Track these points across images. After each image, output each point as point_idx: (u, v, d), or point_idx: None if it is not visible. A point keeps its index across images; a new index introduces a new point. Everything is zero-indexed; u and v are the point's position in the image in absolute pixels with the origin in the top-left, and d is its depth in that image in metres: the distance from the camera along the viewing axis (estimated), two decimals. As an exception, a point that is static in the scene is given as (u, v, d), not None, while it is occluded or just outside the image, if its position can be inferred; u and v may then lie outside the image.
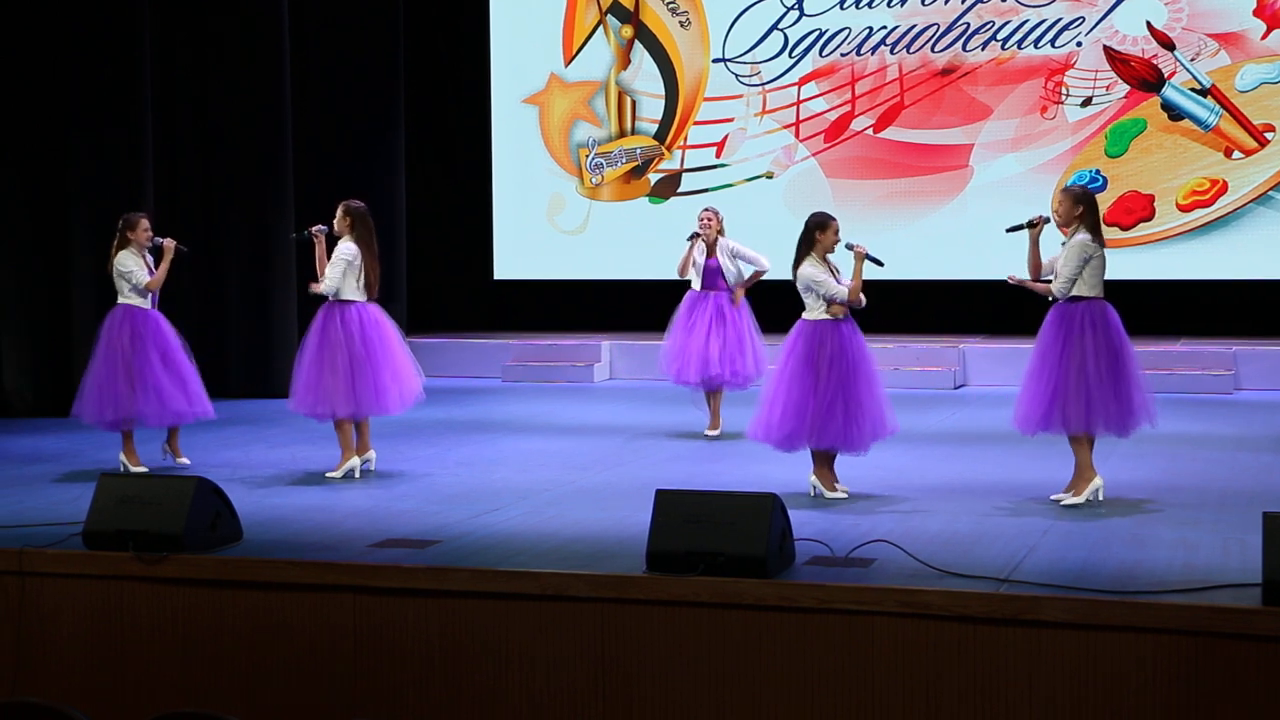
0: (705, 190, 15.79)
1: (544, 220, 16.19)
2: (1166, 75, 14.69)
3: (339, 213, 9.51)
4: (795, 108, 15.62)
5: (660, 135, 16.09)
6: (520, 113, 16.48)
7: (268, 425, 11.70)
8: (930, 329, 14.95)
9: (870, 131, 15.40)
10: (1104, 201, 14.89)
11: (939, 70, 15.23)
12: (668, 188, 16.02)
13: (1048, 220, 8.46)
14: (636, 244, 15.60)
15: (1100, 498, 8.16)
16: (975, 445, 10.39)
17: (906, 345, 14.08)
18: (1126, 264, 14.86)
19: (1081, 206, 8.27)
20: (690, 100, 15.98)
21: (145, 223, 9.54)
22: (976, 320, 15.32)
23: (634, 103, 16.18)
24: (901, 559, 6.64)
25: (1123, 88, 14.78)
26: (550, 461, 9.96)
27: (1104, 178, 14.90)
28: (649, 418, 11.05)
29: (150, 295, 9.50)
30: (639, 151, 16.17)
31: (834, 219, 8.37)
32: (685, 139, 16.00)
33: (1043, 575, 6.31)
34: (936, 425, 11.29)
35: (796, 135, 15.62)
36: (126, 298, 9.47)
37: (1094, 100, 14.87)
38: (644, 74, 16.11)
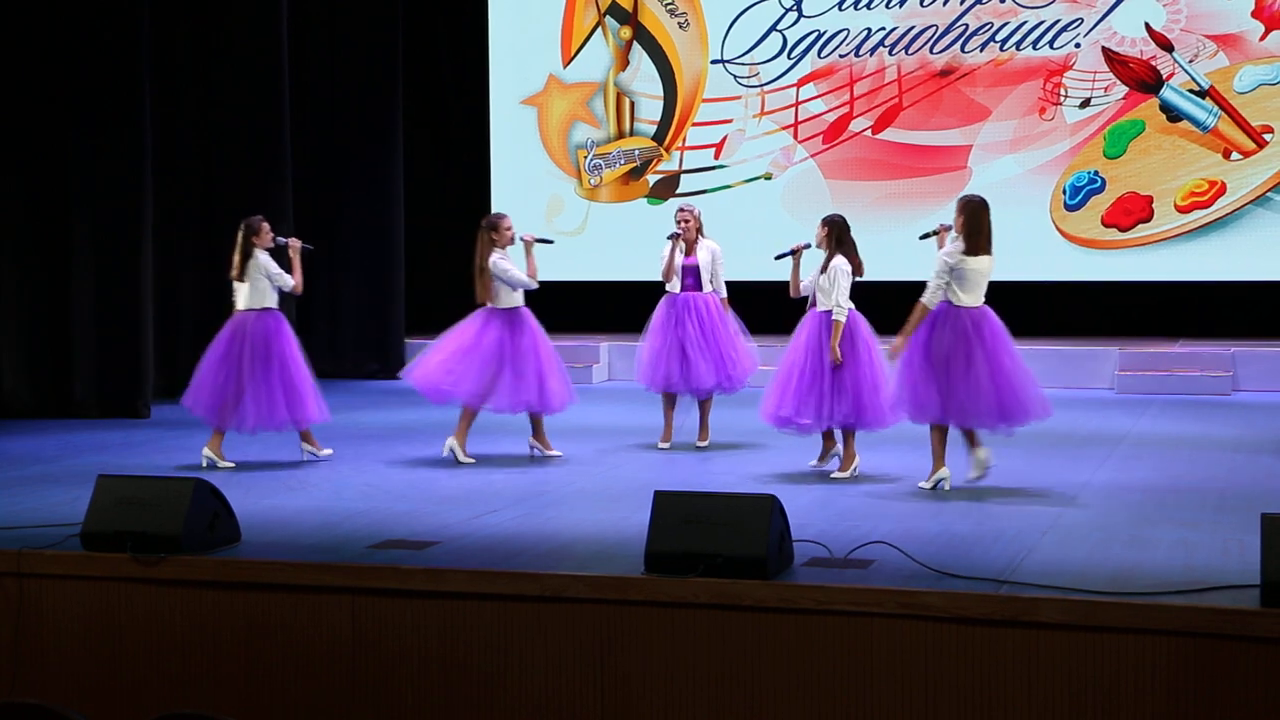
0: (703, 191, 15.79)
1: (543, 221, 16.17)
2: (1165, 76, 14.69)
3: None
4: (794, 109, 15.61)
5: (659, 136, 16.08)
6: (519, 114, 16.47)
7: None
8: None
9: (869, 133, 15.40)
10: (1102, 203, 14.90)
11: (937, 71, 15.22)
12: (666, 189, 16.01)
13: (949, 228, 8.97)
14: (635, 245, 15.58)
15: (947, 488, 8.55)
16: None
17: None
18: (1125, 265, 14.87)
19: (962, 216, 8.67)
20: (689, 101, 15.97)
21: (267, 225, 9.83)
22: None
23: (632, 104, 16.17)
24: (900, 560, 6.63)
25: (1121, 89, 14.78)
26: (549, 463, 9.95)
27: (1103, 179, 14.89)
28: (648, 419, 11.04)
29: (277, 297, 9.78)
30: (637, 153, 16.16)
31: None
32: (684, 140, 16.00)
33: (1042, 576, 6.30)
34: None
35: (795, 136, 15.62)
36: (257, 301, 9.71)
37: (1092, 101, 14.86)
38: (642, 75, 16.10)
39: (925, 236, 9.37)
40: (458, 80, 16.78)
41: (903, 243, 14.94)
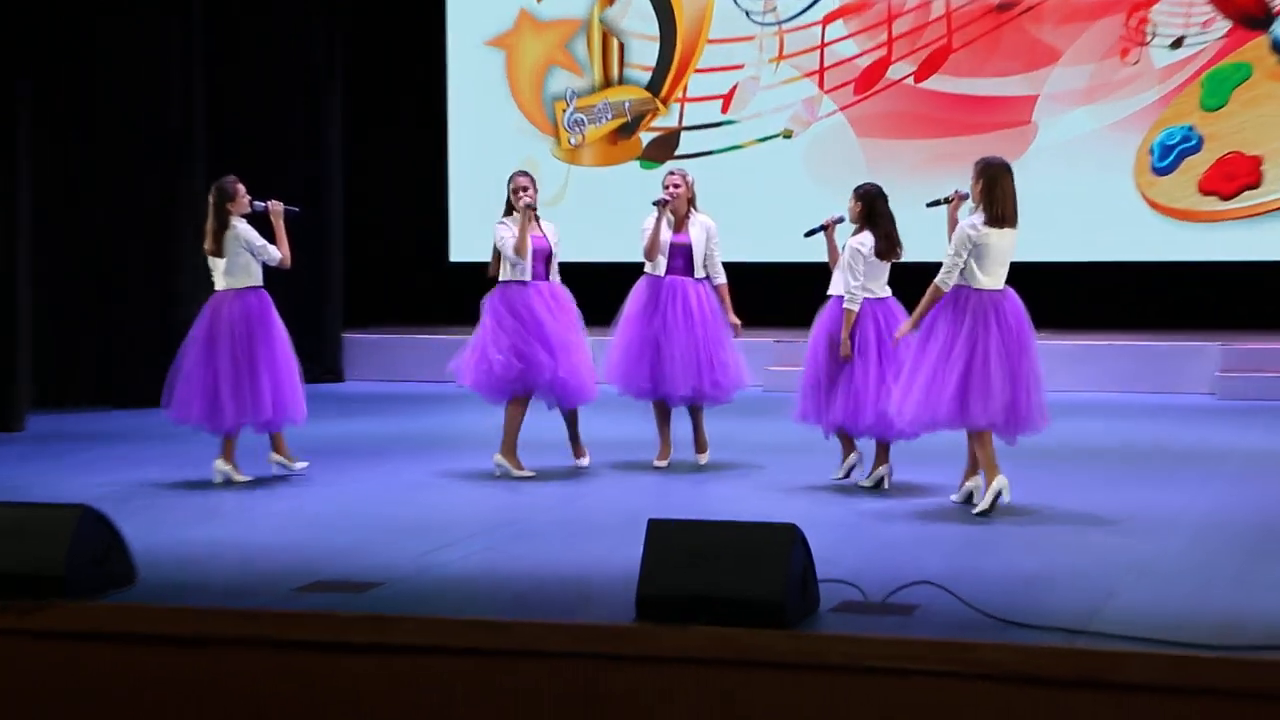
0: (708, 153, 15.76)
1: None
2: (1276, 10, 14.69)
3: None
4: (819, 52, 15.61)
5: (654, 86, 16.06)
6: (483, 58, 16.45)
7: (169, 440, 11.66)
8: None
9: (910, 81, 15.38)
10: (1200, 164, 14.88)
11: (994, 6, 15.21)
12: (663, 150, 15.99)
13: (965, 196, 9.13)
14: (624, 218, 15.40)
15: (1007, 499, 8.76)
16: (1039, 468, 10.36)
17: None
18: (1227, 242, 14.85)
19: (981, 181, 8.85)
20: (691, 43, 15.97)
21: (242, 188, 9.98)
22: (1043, 312, 15.28)
23: (622, 46, 16.17)
24: (951, 605, 6.60)
25: (1223, 24, 14.77)
26: (519, 486, 9.93)
27: (1199, 136, 14.89)
28: (639, 431, 11.01)
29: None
30: (628, 105, 16.14)
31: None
32: (684, 90, 15.98)
33: (1128, 626, 6.27)
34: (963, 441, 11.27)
35: (820, 86, 15.60)
36: (238, 279, 9.88)
37: (1187, 41, 14.86)
38: (635, 11, 16.10)
39: (934, 204, 9.50)
40: (407, 18, 16.77)
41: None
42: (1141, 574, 7.32)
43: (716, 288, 10.41)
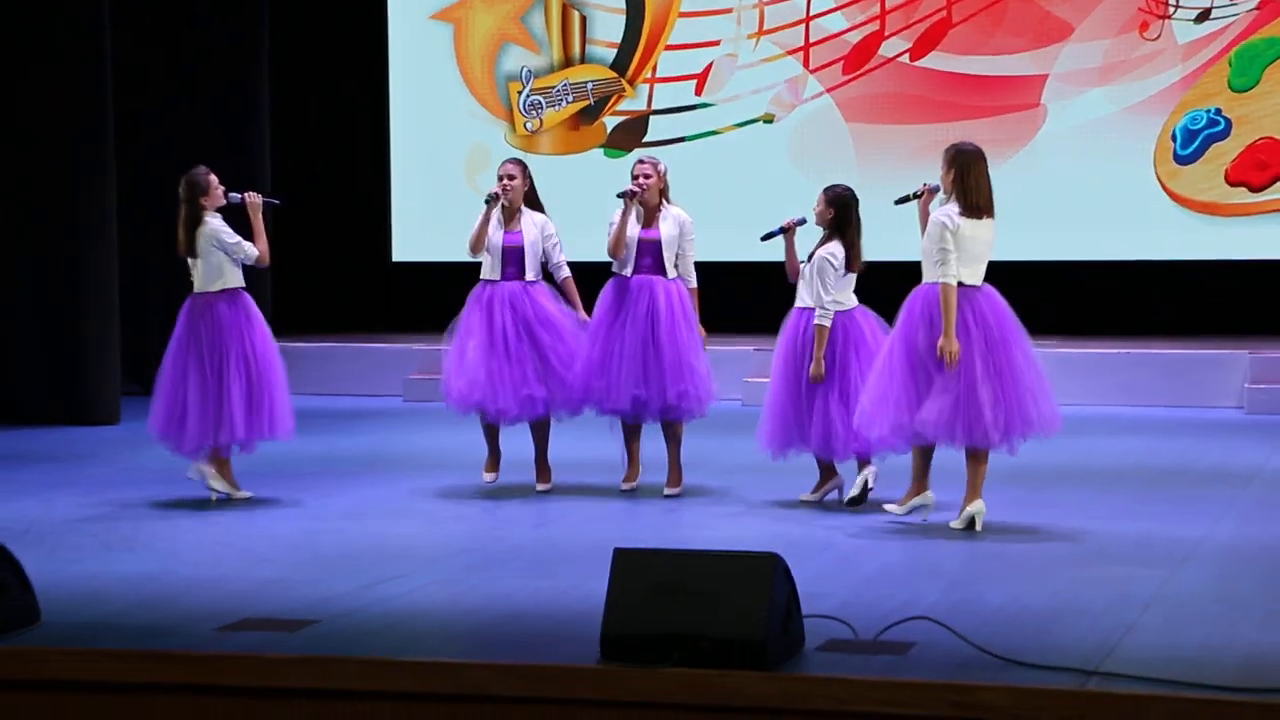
0: (681, 139, 15.80)
1: (460, 181, 16.15)
2: (1310, -19, 14.77)
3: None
4: (804, 26, 15.64)
5: (620, 64, 16.08)
6: (427, 33, 16.48)
7: (75, 462, 11.65)
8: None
9: (905, 59, 15.44)
10: (1229, 151, 14.94)
11: (1000, -26, 15.29)
12: (630, 136, 16.02)
13: (935, 189, 9.34)
14: (587, 213, 15.51)
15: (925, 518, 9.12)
16: (1049, 489, 10.44)
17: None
18: (1258, 238, 14.91)
19: (953, 170, 9.09)
20: (661, 17, 16.00)
21: (215, 179, 10.06)
22: (1052, 317, 15.37)
23: (584, 19, 16.19)
24: (951, 642, 6.62)
25: (1252, -4, 14.85)
26: (471, 512, 9.94)
27: (1227, 120, 14.96)
28: (604, 451, 11.02)
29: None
30: (590, 86, 16.16)
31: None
32: (654, 70, 16.01)
33: (1144, 666, 6.30)
34: (995, 462, 11.23)
35: (805, 64, 15.64)
36: (212, 280, 10.00)
37: (1213, 14, 14.93)
38: (598, -20, 16.15)
39: (903, 200, 9.61)
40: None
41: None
42: (1159, 608, 7.34)
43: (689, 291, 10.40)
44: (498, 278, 10.41)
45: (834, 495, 9.89)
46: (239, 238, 10.04)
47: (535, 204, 10.57)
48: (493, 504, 10.13)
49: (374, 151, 16.56)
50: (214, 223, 10.01)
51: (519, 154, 16.01)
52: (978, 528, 9.02)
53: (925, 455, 9.14)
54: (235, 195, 10.15)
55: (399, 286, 16.70)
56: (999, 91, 15.24)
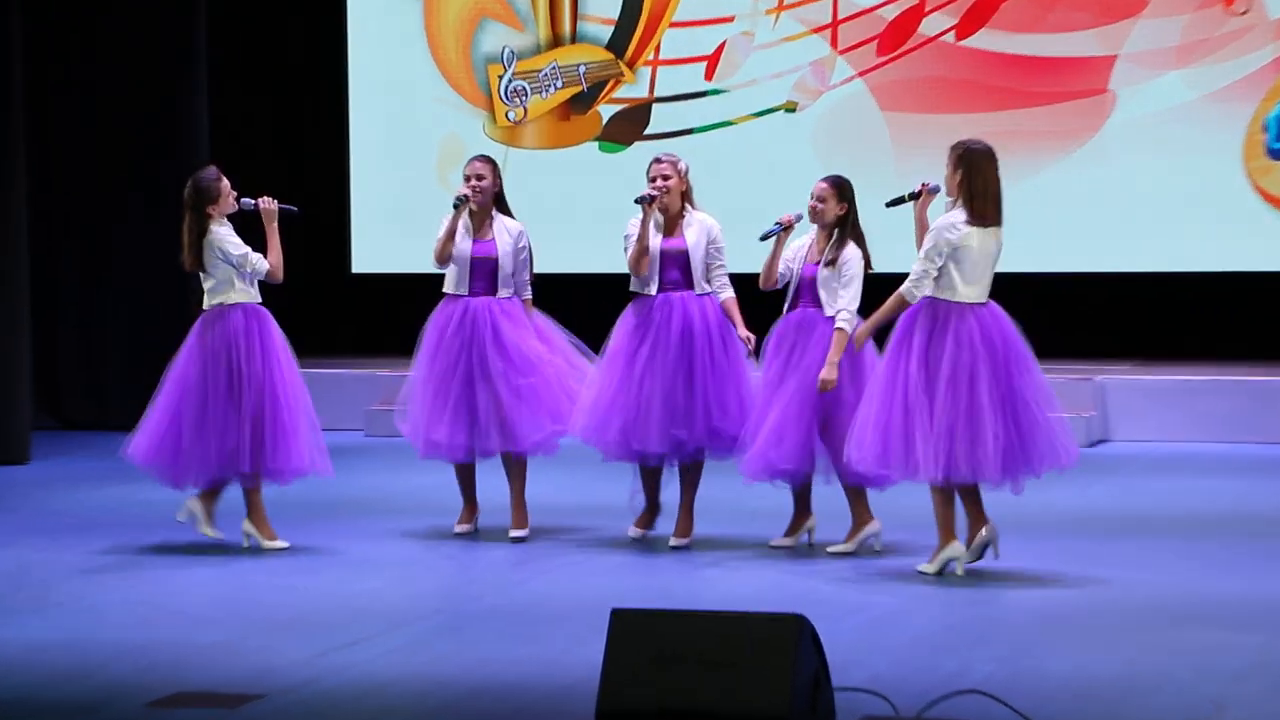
0: (688, 131, 15.80)
1: (432, 179, 16.14)
2: None
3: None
4: (831, 1, 15.65)
5: (617, 44, 16.08)
6: (392, 8, 16.50)
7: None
8: (1051, 352, 14.90)
9: (950, 38, 15.44)
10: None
11: (1061, -62, 15.30)
12: (629, 128, 16.02)
13: (936, 189, 9.57)
14: (578, 218, 15.58)
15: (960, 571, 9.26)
16: (1123, 539, 10.43)
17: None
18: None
19: (960, 170, 9.36)
20: (665, -11, 16.03)
21: (226, 184, 10.24)
22: (1121, 340, 15.36)
23: (575, -8, 16.22)
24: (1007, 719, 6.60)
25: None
26: (442, 564, 9.99)
27: (1324, 111, 14.97)
28: (598, 493, 11.01)
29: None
30: (583, 70, 16.16)
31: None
32: (656, 50, 16.01)
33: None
34: (1061, 506, 11.31)
35: (833, 44, 15.64)
36: (220, 294, 10.22)
37: (1311, -15, 14.94)
38: (591, -53, 16.18)
39: (896, 202, 9.78)
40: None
41: (1011, 210, 14.87)
42: (1256, 680, 7.31)
43: (722, 303, 10.38)
44: (465, 292, 10.45)
45: (804, 539, 10.07)
46: (247, 249, 10.18)
47: (504, 208, 10.60)
48: (467, 555, 10.14)
49: (330, 147, 16.55)
50: (220, 231, 10.15)
51: (500, 149, 16.12)
52: (959, 571, 9.23)
53: (951, 500, 9.31)
54: (248, 201, 10.31)
55: (359, 303, 16.69)
56: (1059, 75, 15.23)
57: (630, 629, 6.52)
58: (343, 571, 9.80)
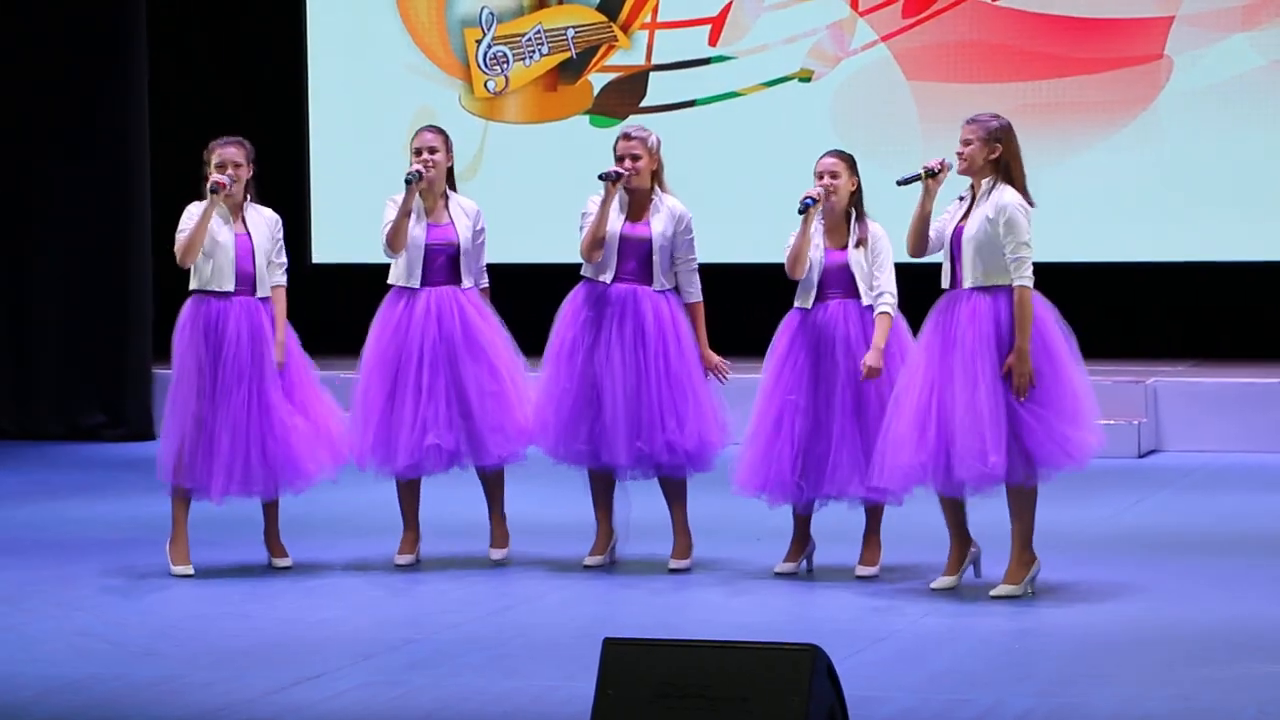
0: (690, 104, 15.84)
1: (400, 158, 16.03)
2: None
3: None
4: (851, -46, 15.73)
5: (610, 6, 16.11)
6: (359, -33, 16.55)
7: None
8: (1097, 351, 14.91)
9: (985, -2, 15.48)
10: None
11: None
12: (624, 99, 16.05)
13: (951, 167, 9.67)
14: (567, 200, 15.51)
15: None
16: (1176, 560, 10.46)
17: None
18: None
19: (1000, 144, 9.62)
20: (663, -58, 16.07)
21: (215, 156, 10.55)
22: (1181, 337, 15.38)
23: (562, -52, 16.26)
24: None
25: None
26: (414, 589, 10.01)
27: None
28: (586, 509, 11.03)
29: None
30: (571, 34, 16.19)
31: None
32: (654, 12, 16.04)
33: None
34: (1108, 525, 11.38)
35: (854, 5, 15.66)
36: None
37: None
38: (580, -106, 16.21)
39: (909, 180, 9.78)
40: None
41: (1045, 194, 14.85)
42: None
43: (688, 307, 10.39)
44: (417, 284, 10.48)
45: (803, 565, 10.15)
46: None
47: (453, 186, 10.65)
48: (442, 579, 10.17)
49: (286, 122, 16.58)
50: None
51: (479, 123, 16.17)
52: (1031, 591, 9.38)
53: (955, 505, 9.57)
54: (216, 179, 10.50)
55: (320, 297, 16.66)
56: (1108, 39, 15.26)
57: (625, 661, 6.52)
58: (301, 597, 9.84)
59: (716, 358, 10.37)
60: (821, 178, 9.93)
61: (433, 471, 10.43)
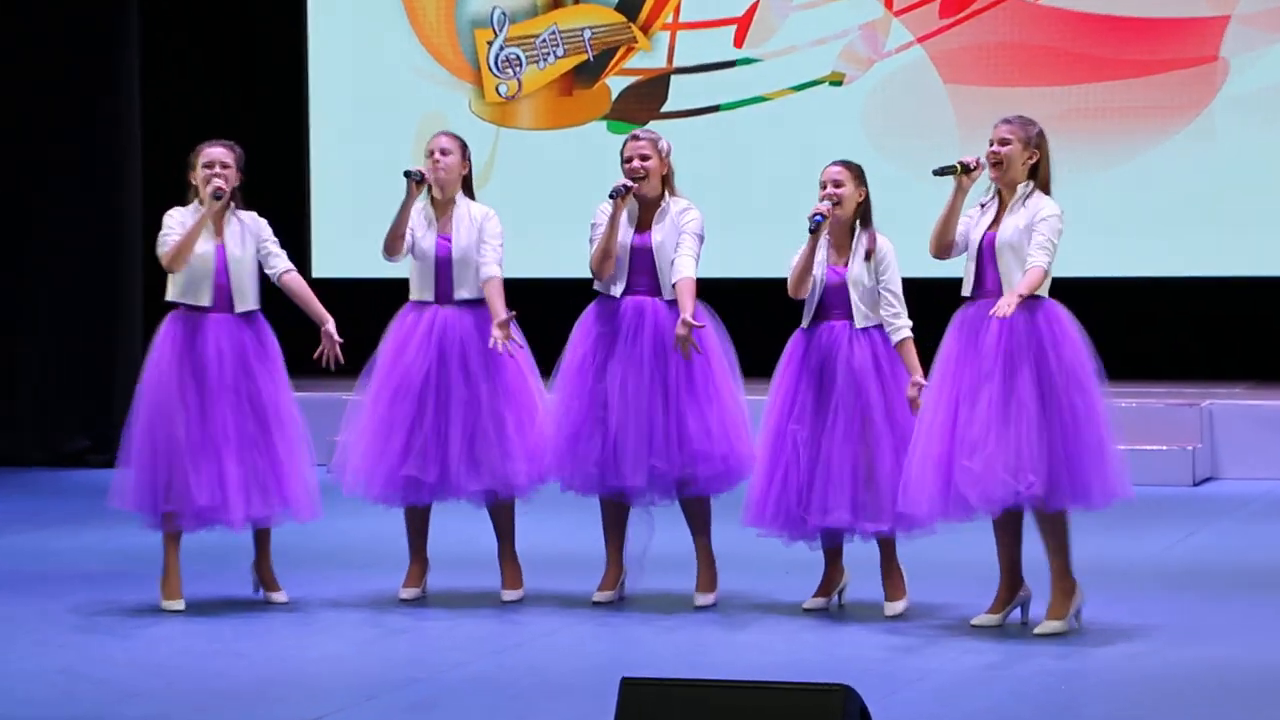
0: (714, 109, 15.86)
1: (409, 161, 16.15)
2: None
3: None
4: (885, -49, 15.74)
5: (629, 6, 16.12)
6: (365, -35, 16.58)
7: None
8: (1148, 372, 14.95)
9: (1026, -2, 15.48)
10: None
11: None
12: (644, 104, 16.08)
13: (983, 167, 9.69)
14: (582, 209, 15.53)
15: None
16: (1234, 596, 10.44)
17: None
18: None
19: (1039, 149, 9.76)
20: (685, -62, 16.09)
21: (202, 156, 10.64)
22: (1235, 357, 15.36)
23: (579, -57, 16.29)
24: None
25: None
26: (417, 626, 10.01)
27: None
28: (598, 541, 11.02)
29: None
30: (588, 36, 16.21)
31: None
32: (676, 12, 16.06)
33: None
34: (1160, 559, 11.37)
35: (888, 4, 15.67)
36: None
37: None
38: (597, -113, 16.24)
39: (945, 171, 9.75)
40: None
41: (1091, 205, 14.91)
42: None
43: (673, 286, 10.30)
44: (432, 298, 10.46)
45: (834, 600, 10.14)
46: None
47: (471, 195, 10.63)
48: (447, 615, 10.19)
49: (285, 129, 16.61)
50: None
51: (490, 129, 16.19)
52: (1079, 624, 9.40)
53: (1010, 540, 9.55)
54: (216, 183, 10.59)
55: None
56: (1159, 40, 15.27)
57: (643, 702, 6.52)
58: (297, 633, 9.86)
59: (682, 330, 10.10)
60: (825, 188, 9.91)
61: (410, 504, 10.44)
